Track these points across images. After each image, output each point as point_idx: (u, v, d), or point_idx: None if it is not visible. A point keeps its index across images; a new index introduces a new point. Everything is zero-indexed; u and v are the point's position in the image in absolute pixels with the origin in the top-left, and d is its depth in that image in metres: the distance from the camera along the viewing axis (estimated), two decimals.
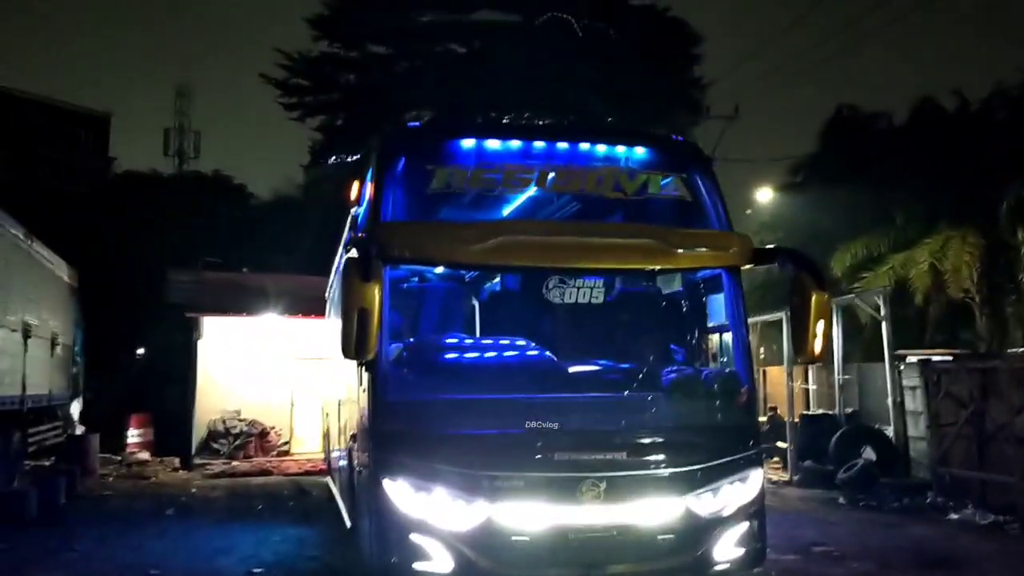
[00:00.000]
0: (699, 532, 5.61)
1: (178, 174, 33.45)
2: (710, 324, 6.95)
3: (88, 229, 23.82)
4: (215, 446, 16.95)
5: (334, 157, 26.61)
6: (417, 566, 5.36)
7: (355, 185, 7.30)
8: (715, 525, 5.66)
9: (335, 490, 10.29)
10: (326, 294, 11.79)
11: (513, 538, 5.35)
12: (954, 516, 10.56)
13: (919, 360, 13.39)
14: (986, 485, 10.91)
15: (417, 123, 7.48)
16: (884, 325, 14.21)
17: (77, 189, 26.26)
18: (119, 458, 16.05)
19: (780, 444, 15.39)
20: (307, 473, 14.88)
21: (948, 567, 7.95)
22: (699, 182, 6.46)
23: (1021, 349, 12.94)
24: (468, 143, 6.37)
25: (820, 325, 5.73)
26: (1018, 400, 10.31)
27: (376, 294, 5.11)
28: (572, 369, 6.14)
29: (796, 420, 15.04)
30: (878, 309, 14.63)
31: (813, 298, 5.71)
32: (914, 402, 13.10)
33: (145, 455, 16.38)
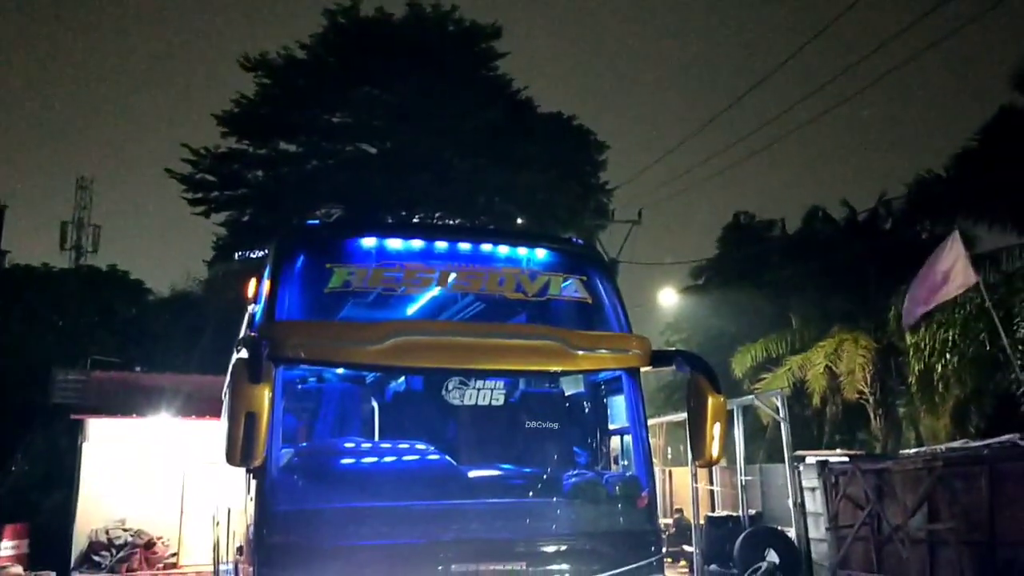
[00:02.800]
0: None
1: (73, 268, 32.19)
2: (611, 426, 6.93)
3: None
4: (96, 559, 15.76)
5: (239, 253, 26.21)
6: None
7: (253, 282, 7.13)
8: None
9: None
10: (223, 395, 11.34)
11: None
12: None
13: (817, 461, 13.65)
14: None
15: (316, 221, 7.40)
16: (783, 426, 14.51)
17: None
18: None
19: (686, 547, 15.34)
20: None
21: None
22: (599, 284, 6.54)
23: (913, 450, 13.33)
24: (368, 242, 6.31)
25: (716, 427, 5.75)
26: (911, 501, 10.55)
27: (265, 396, 4.90)
28: (472, 474, 5.98)
29: (701, 522, 15.04)
30: (777, 410, 14.96)
31: (709, 400, 5.75)
32: (814, 503, 13.29)
33: (18, 569, 15.10)
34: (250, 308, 7.35)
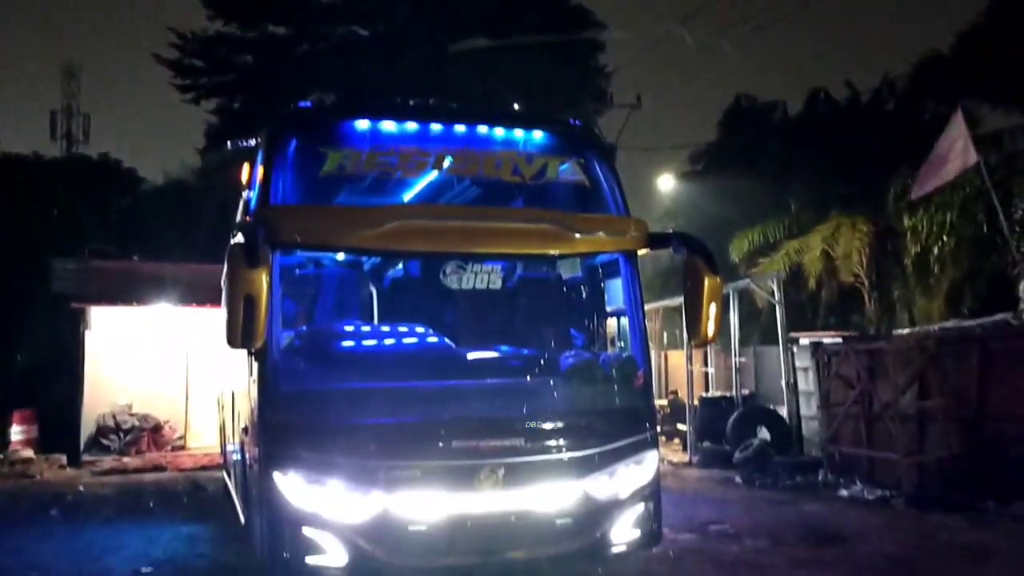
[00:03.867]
0: (596, 515, 5.64)
1: (64, 157, 31.75)
2: (608, 309, 6.99)
3: None
4: (105, 442, 16.20)
5: (231, 141, 25.81)
6: (310, 560, 5.22)
7: (246, 168, 7.06)
8: (612, 508, 5.69)
9: (230, 485, 9.97)
10: (222, 282, 11.37)
11: (410, 528, 5.26)
12: (844, 492, 10.96)
13: (811, 342, 13.87)
14: (873, 462, 11.37)
15: (308, 104, 7.22)
16: (778, 308, 14.67)
17: None
18: (0, 456, 15.19)
19: (680, 426, 15.76)
20: (203, 468, 14.39)
21: (837, 542, 8.23)
22: (597, 167, 6.47)
23: (907, 331, 13.52)
24: (362, 125, 6.21)
25: (712, 308, 5.81)
26: (903, 380, 10.77)
27: (263, 280, 4.92)
28: (471, 356, 6.08)
29: (695, 403, 15.40)
30: (773, 293, 15.09)
31: (705, 282, 5.79)
32: (806, 383, 13.57)
33: (29, 453, 15.50)
34: (244, 194, 7.30)
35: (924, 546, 8.02)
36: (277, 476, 5.25)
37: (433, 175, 6.39)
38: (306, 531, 5.19)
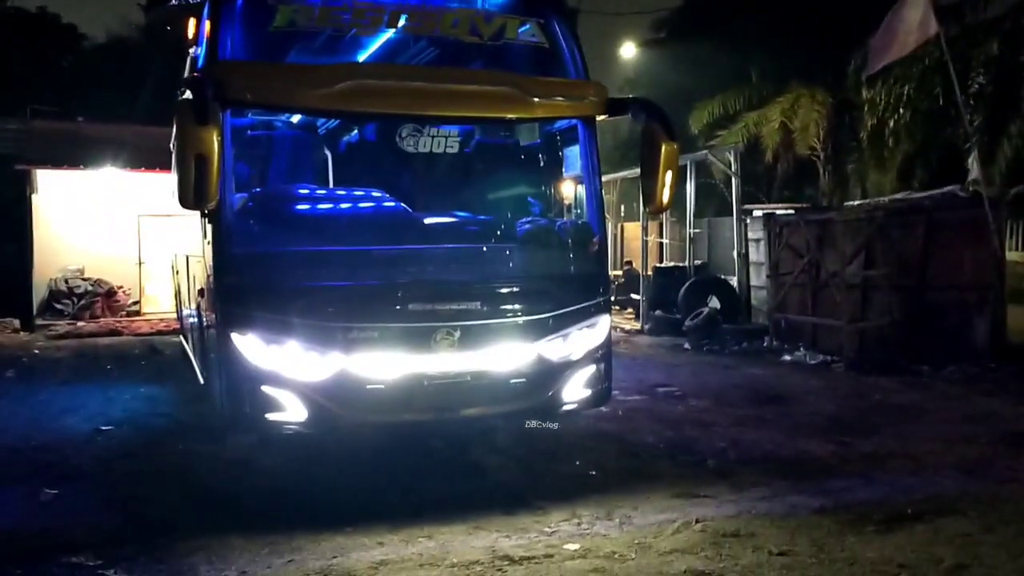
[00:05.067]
0: (549, 375, 5.81)
1: None
2: (565, 176, 6.99)
3: None
4: (58, 307, 16.11)
5: None
6: (270, 416, 5.34)
7: (192, 23, 6.76)
8: (565, 368, 5.86)
9: (188, 348, 10.06)
10: (171, 145, 11.07)
11: (368, 387, 5.38)
12: (787, 358, 11.40)
13: (764, 214, 14.08)
14: (817, 329, 11.80)
15: None
16: (734, 180, 14.79)
17: None
18: None
19: (634, 296, 16.08)
20: (159, 333, 14.43)
21: (777, 401, 8.62)
22: (556, 29, 6.32)
23: (857, 203, 13.76)
24: None
25: (668, 176, 5.82)
26: (850, 250, 11.04)
27: (214, 138, 4.79)
28: (427, 220, 6.08)
29: (649, 273, 15.67)
30: (730, 165, 15.16)
31: (663, 149, 5.78)
32: (758, 254, 13.86)
33: None
34: (192, 51, 7.04)
35: (859, 405, 8.44)
36: (235, 337, 5.29)
37: (389, 34, 6.20)
38: (265, 389, 5.29)
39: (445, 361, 5.49)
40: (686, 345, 12.65)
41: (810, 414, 8.00)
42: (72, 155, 15.83)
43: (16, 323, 15.02)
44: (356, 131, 7.03)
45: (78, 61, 24.62)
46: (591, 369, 6.01)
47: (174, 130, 5.04)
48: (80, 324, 15.34)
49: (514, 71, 6.06)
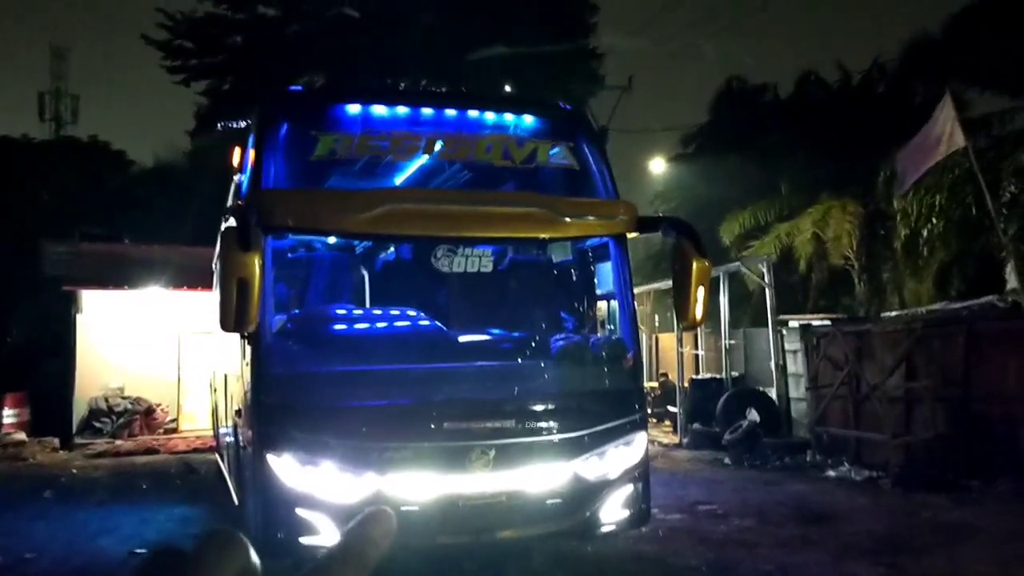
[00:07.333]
0: (586, 495, 5.71)
1: (53, 140, 31.55)
2: (598, 292, 7.06)
3: None
4: (97, 425, 16.24)
5: (221, 123, 25.69)
6: (304, 540, 5.28)
7: (237, 151, 7.07)
8: (601, 488, 5.76)
9: (223, 467, 10.04)
10: (213, 265, 11.41)
11: (402, 508, 5.31)
12: (831, 473, 11.09)
13: (800, 325, 13.98)
14: (860, 443, 11.51)
15: (299, 87, 7.25)
16: (768, 291, 14.75)
17: None
18: None
19: (671, 408, 15.87)
20: (195, 451, 14.45)
21: (824, 521, 8.34)
22: (587, 151, 6.51)
23: (894, 313, 13.63)
24: (353, 108, 6.23)
25: (700, 291, 5.85)
26: (890, 362, 10.88)
27: (256, 264, 4.94)
28: (462, 338, 6.14)
29: (686, 385, 15.50)
30: (763, 276, 15.17)
31: (694, 265, 5.83)
32: (795, 365, 13.68)
33: (22, 436, 15.52)
34: (236, 177, 7.32)
35: (909, 524, 8.14)
36: (271, 457, 5.30)
37: (424, 159, 6.42)
38: (300, 511, 5.25)
39: (480, 481, 5.43)
40: (726, 459, 12.38)
41: (858, 534, 7.72)
42: (117, 275, 16.29)
43: (56, 442, 15.14)
44: (392, 251, 7.20)
45: (126, 184, 25.61)
46: (629, 488, 5.90)
47: (218, 255, 5.19)
48: (118, 442, 15.42)
49: (545, 191, 6.22)
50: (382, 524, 0.58)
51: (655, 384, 17.50)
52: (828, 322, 13.91)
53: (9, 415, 15.90)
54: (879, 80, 21.12)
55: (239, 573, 0.51)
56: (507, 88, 24.21)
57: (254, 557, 0.53)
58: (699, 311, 5.90)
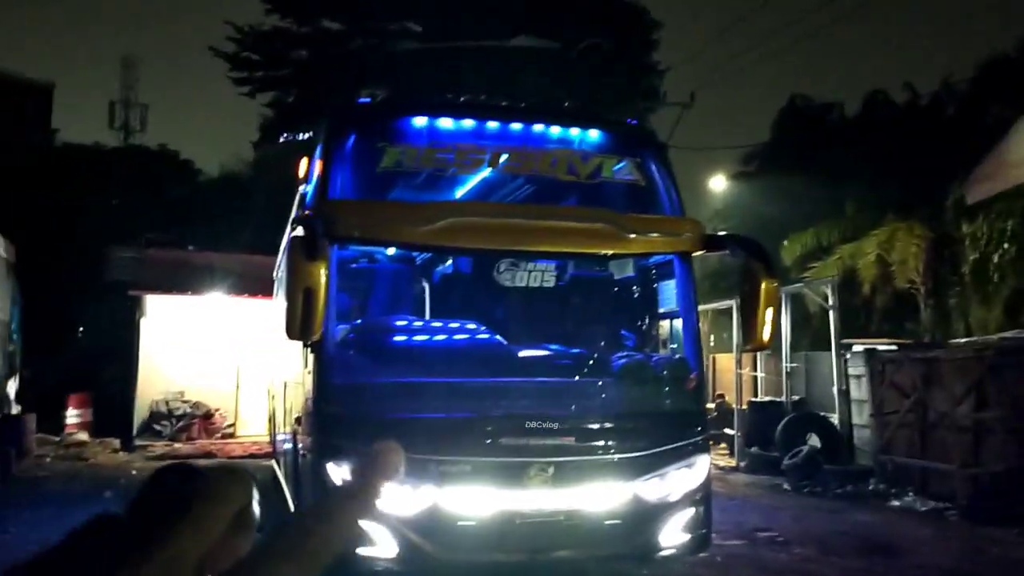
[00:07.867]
0: (646, 517, 5.60)
1: (122, 148, 32.49)
2: (661, 310, 6.95)
3: (27, 203, 23.08)
4: (157, 428, 16.56)
5: (285, 134, 26.18)
6: (361, 551, 5.26)
7: (303, 162, 7.15)
8: (662, 510, 5.64)
9: (280, 473, 10.12)
10: (274, 274, 11.57)
11: (459, 523, 5.28)
12: (895, 503, 10.75)
13: (865, 349, 13.61)
14: (927, 472, 11.13)
15: (367, 100, 7.32)
16: (831, 314, 14.41)
17: (16, 161, 25.40)
18: (57, 439, 15.58)
19: (728, 431, 15.57)
20: (252, 456, 14.63)
21: (887, 553, 8.07)
22: (652, 167, 6.43)
23: (963, 340, 13.21)
24: (420, 121, 6.25)
25: (769, 313, 5.71)
26: (960, 390, 10.51)
27: (322, 274, 4.96)
28: (522, 353, 6.08)
29: (744, 407, 15.21)
30: (826, 298, 14.84)
31: (762, 286, 5.69)
32: (859, 390, 13.31)
33: (84, 436, 15.92)
34: (301, 188, 7.40)
35: (975, 559, 7.85)
36: (330, 467, 5.30)
37: (487, 172, 6.41)
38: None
39: (538, 498, 5.36)
40: (785, 485, 12.09)
41: (924, 567, 7.46)
42: (180, 281, 16.63)
43: (116, 443, 15.46)
44: (454, 263, 7.19)
45: (192, 193, 26.25)
46: (690, 512, 5.77)
47: (285, 263, 5.23)
48: (177, 445, 15.71)
49: (610, 206, 6.16)
50: (391, 458, 0.61)
51: (711, 405, 17.19)
52: (894, 347, 13.53)
53: (72, 415, 16.31)
54: (949, 100, 20.62)
55: (238, 512, 0.55)
56: (568, 104, 24.21)
57: (255, 501, 0.56)
58: (767, 333, 5.75)
